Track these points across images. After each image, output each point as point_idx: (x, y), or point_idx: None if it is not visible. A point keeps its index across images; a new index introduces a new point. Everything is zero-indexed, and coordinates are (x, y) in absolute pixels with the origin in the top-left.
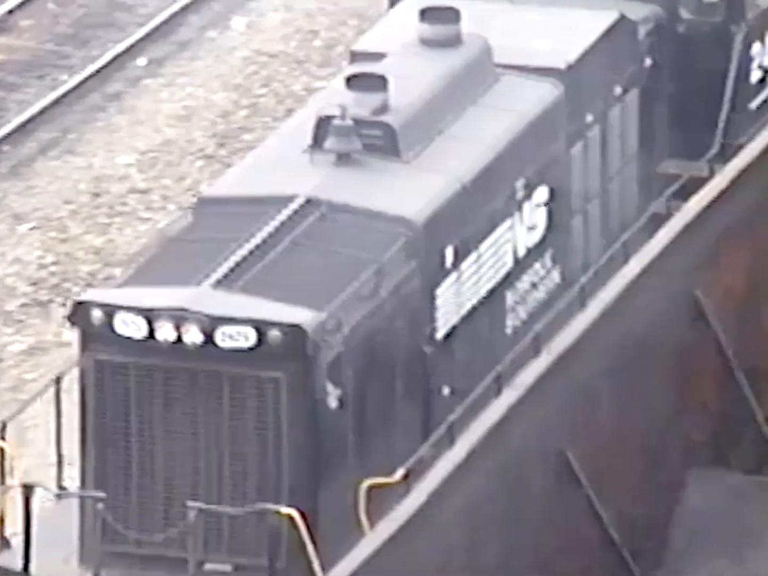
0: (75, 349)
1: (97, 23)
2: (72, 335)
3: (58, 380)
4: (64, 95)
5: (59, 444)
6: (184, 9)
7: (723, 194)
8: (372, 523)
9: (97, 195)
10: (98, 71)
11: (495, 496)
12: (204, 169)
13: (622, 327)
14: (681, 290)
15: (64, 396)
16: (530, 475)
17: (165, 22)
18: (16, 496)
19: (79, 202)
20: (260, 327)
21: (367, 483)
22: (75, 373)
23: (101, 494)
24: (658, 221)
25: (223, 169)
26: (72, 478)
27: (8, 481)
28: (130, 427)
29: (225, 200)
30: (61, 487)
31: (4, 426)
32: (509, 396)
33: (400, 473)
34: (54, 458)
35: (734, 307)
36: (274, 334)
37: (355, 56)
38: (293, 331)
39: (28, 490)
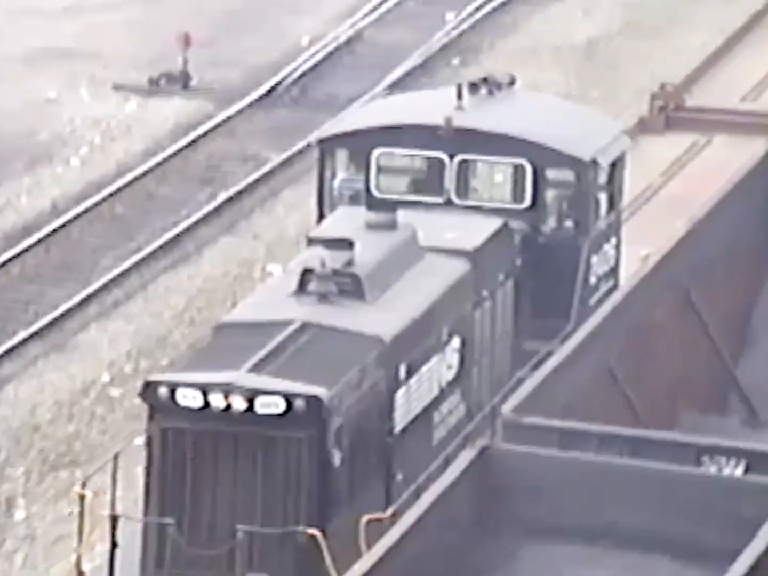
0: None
1: None
2: None
3: (116, 456)
4: None
5: (114, 505)
6: None
7: None
8: (368, 547)
9: None
10: None
11: None
12: None
13: None
14: None
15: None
16: None
17: None
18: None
19: None
20: (289, 397)
21: (366, 517)
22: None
23: (171, 521)
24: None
25: None
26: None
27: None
28: (186, 477)
29: (237, 324)
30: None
31: (84, 483)
32: None
33: (390, 511)
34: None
35: None
36: (299, 403)
37: (311, 241)
38: (313, 400)
39: (114, 519)
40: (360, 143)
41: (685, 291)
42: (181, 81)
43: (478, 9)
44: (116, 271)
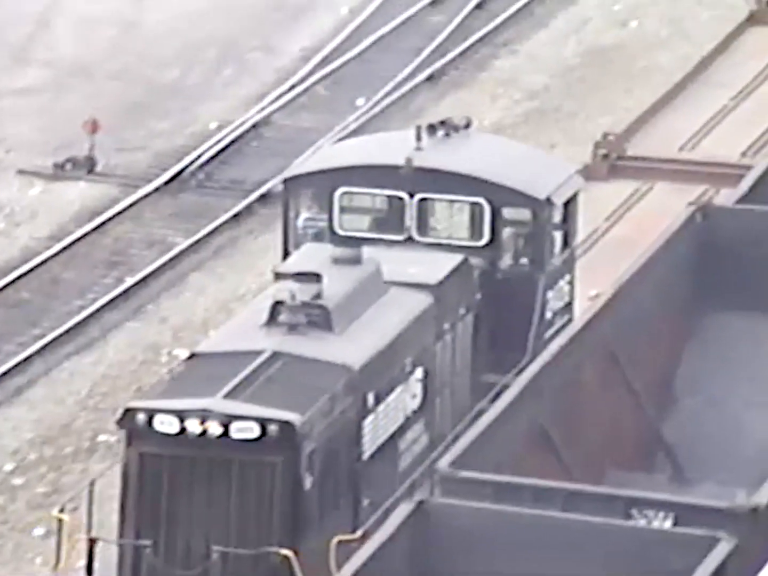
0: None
1: None
2: None
3: (92, 483)
4: None
5: (90, 528)
6: None
7: None
8: (339, 566)
9: None
10: None
11: None
12: None
13: None
14: None
15: None
16: None
17: None
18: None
19: None
20: (263, 423)
21: (337, 538)
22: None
23: (147, 542)
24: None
25: None
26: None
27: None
28: (162, 500)
29: (210, 354)
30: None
31: (63, 508)
32: None
33: (360, 533)
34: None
35: None
36: (272, 428)
37: (279, 276)
38: (287, 426)
39: (92, 542)
40: (323, 183)
41: (611, 351)
42: (87, 166)
43: (388, 95)
44: (19, 358)
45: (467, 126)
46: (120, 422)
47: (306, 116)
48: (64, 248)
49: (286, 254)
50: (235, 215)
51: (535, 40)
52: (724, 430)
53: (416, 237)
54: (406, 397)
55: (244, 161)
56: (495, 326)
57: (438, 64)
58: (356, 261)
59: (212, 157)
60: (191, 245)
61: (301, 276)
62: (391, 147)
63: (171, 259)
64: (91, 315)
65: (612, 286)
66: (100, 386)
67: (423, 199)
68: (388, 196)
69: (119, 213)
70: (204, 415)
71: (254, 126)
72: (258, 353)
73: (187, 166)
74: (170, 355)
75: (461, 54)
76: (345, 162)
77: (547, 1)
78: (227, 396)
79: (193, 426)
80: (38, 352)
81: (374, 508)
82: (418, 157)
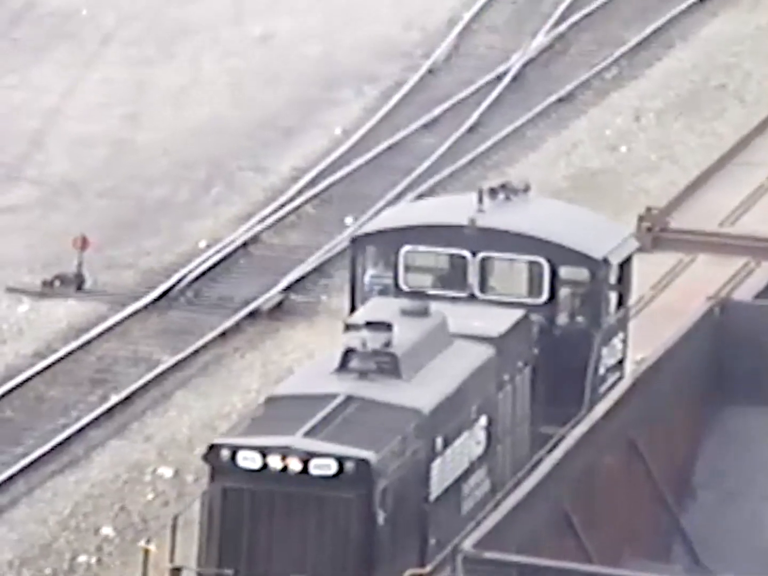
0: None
1: None
2: None
3: (176, 517)
4: None
5: (173, 557)
6: None
7: None
8: None
9: None
10: None
11: None
12: None
13: None
14: None
15: None
16: None
17: None
18: None
19: None
20: (341, 460)
21: (409, 572)
22: None
23: (229, 572)
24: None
25: None
26: None
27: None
28: (243, 532)
29: (287, 396)
30: None
31: (149, 539)
32: None
33: (429, 568)
34: None
35: None
36: (349, 465)
37: (349, 327)
38: (363, 463)
39: (176, 572)
40: (389, 241)
41: (632, 440)
42: (75, 283)
43: (376, 214)
44: (2, 477)
45: (526, 190)
46: (205, 458)
47: (294, 235)
48: (49, 366)
49: (352, 309)
50: (223, 333)
51: (524, 162)
52: (742, 523)
53: (478, 294)
54: (472, 443)
55: (232, 279)
56: (552, 380)
57: (427, 185)
58: (424, 313)
59: (201, 275)
60: (177, 363)
61: (371, 325)
62: (454, 208)
63: (156, 377)
64: (75, 433)
65: (631, 376)
66: (82, 506)
67: (485, 258)
68: (451, 255)
69: (106, 330)
70: (285, 452)
71: (243, 244)
72: (333, 396)
73: (175, 284)
74: (154, 474)
75: (450, 175)
76: (410, 221)
77: (540, 125)
78: (307, 434)
79: (275, 462)
80: (21, 471)
81: (440, 548)
82: (481, 217)
